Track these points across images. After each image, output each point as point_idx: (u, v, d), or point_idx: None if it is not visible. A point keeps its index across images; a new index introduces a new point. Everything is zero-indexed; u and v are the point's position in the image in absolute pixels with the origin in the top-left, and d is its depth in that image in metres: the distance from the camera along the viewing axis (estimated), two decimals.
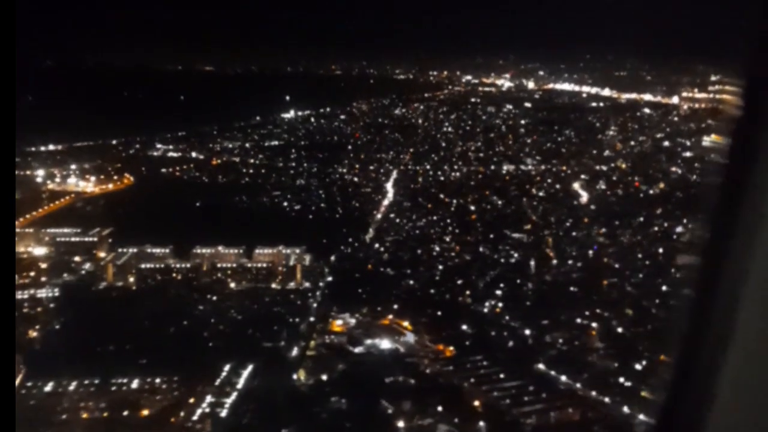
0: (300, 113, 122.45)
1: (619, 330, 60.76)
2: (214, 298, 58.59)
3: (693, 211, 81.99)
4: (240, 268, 63.02)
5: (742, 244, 3.39)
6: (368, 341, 55.00)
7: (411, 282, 65.58)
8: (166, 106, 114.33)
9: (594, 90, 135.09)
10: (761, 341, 3.43)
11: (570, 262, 73.38)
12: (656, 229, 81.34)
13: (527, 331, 58.96)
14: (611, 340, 58.95)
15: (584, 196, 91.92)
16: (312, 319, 56.80)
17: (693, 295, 3.84)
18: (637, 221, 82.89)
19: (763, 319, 3.41)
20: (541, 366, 54.43)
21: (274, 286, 62.77)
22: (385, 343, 54.89)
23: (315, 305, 59.36)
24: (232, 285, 62.30)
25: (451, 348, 55.99)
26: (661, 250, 75.06)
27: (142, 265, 62.16)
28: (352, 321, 57.77)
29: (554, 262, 73.39)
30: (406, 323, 58.56)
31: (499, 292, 64.91)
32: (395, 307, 60.97)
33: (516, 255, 73.85)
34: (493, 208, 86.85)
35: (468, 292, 64.47)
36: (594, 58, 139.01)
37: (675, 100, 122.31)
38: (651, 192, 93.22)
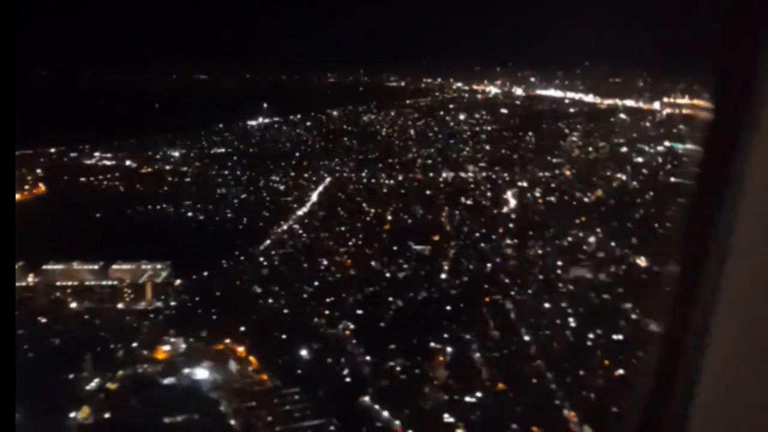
0: (267, 120, 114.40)
1: (476, 355, 52.02)
2: (44, 320, 50.88)
3: (614, 220, 73.21)
4: (82, 286, 55.19)
5: (719, 248, 3.09)
6: (186, 370, 47.30)
7: (271, 300, 57.26)
8: (133, 115, 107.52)
9: (578, 96, 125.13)
10: (739, 342, 3.11)
11: (461, 276, 64.53)
12: (569, 239, 72.11)
13: (368, 358, 50.51)
14: (459, 367, 50.40)
15: (511, 205, 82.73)
16: (135, 344, 48.79)
17: (671, 303, 3.51)
18: (551, 231, 73.41)
19: (740, 320, 3.09)
20: (366, 399, 45.93)
21: (120, 306, 55.10)
22: (202, 373, 47.15)
23: (150, 328, 51.35)
24: (73, 305, 54.70)
25: (276, 377, 47.67)
26: (560, 263, 65.92)
27: None
28: (182, 346, 49.95)
29: (443, 276, 64.62)
30: (241, 348, 50.55)
31: (360, 312, 56.36)
32: (242, 329, 52.93)
33: (407, 269, 65.15)
34: (410, 218, 77.93)
35: (327, 312, 56.04)
36: (593, 65, 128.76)
37: (656, 105, 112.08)
38: (585, 200, 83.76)
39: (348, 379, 48.12)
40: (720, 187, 3.02)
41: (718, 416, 3.14)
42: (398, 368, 49.56)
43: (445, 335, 53.67)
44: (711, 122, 3.19)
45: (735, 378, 3.09)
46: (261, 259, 65.35)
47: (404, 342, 52.18)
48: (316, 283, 61.14)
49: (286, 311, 55.70)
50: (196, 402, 43.46)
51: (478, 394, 47.26)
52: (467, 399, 46.53)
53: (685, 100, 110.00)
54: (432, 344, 52.65)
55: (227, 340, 50.81)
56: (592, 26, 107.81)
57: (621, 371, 50.31)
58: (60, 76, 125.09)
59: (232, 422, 42.23)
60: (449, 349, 52.44)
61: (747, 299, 3.01)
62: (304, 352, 50.40)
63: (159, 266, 58.11)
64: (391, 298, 59.03)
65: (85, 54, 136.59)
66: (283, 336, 52.10)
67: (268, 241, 69.35)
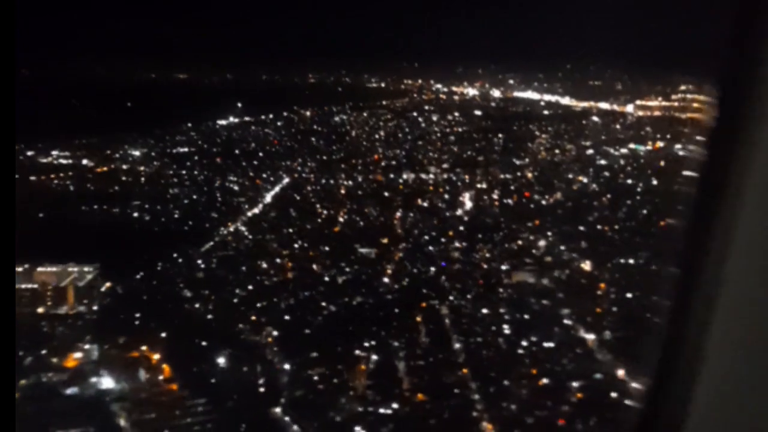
0: (237, 120, 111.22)
1: (401, 364, 48.95)
2: None
3: (567, 223, 70.32)
4: None
5: (719, 249, 3.08)
6: (93, 379, 44.22)
7: (198, 305, 54.15)
8: (103, 113, 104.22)
9: (555, 98, 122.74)
10: (738, 343, 3.11)
11: (402, 280, 61.48)
12: (519, 243, 69.07)
13: (287, 366, 47.40)
14: (380, 376, 47.43)
15: (467, 207, 79.68)
16: (44, 351, 45.63)
17: (671, 300, 3.43)
18: (501, 234, 70.37)
19: (739, 321, 3.08)
20: (277, 410, 42.88)
21: (40, 310, 51.82)
22: (108, 383, 43.83)
23: (64, 334, 48.22)
24: None
25: (186, 388, 44.58)
26: (504, 267, 62.96)
27: None
28: (95, 353, 46.73)
29: (385, 280, 61.53)
30: (157, 356, 47.39)
31: (288, 318, 53.24)
32: (162, 335, 49.76)
33: (348, 273, 62.08)
34: (362, 220, 74.85)
35: (254, 318, 52.94)
36: (574, 68, 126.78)
37: (630, 108, 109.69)
38: (543, 202, 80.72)
39: (262, 389, 44.90)
40: (721, 186, 2.93)
41: (718, 415, 3.05)
42: (316, 377, 46.38)
43: (373, 342, 50.66)
44: (713, 122, 3.09)
45: (735, 378, 3.00)
46: (199, 261, 62.23)
47: (328, 349, 49.19)
48: (250, 287, 58.07)
49: (210, 316, 52.37)
50: (95, 414, 40.35)
51: (395, 405, 44.11)
52: (381, 410, 43.35)
53: (658, 102, 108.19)
54: (357, 352, 49.47)
55: (143, 347, 47.51)
56: (577, 29, 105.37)
57: (546, 380, 47.46)
58: (37, 72, 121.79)
59: None
60: (374, 357, 49.30)
61: (747, 299, 2.92)
62: (221, 360, 47.17)
63: (86, 269, 54.85)
64: (324, 303, 55.75)
65: (65, 51, 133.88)
66: (203, 343, 48.79)
67: (210, 243, 66.02)
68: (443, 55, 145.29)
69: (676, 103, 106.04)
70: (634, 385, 46.82)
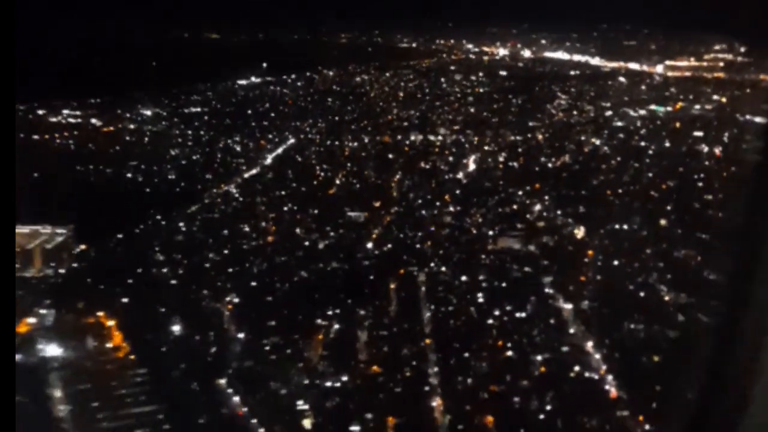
0: (258, 79, 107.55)
1: (362, 333, 45.61)
2: None
3: (570, 187, 66.00)
4: None
5: None
6: (39, 346, 41.70)
7: (166, 270, 51.32)
8: (124, 72, 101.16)
9: (585, 59, 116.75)
10: None
11: (385, 246, 57.88)
12: (514, 207, 64.76)
13: (241, 335, 44.37)
14: (338, 347, 44.14)
15: (469, 170, 75.43)
16: None
17: (727, 302, 3.42)
18: (497, 198, 66.08)
19: None
20: (221, 381, 39.99)
21: None
22: (53, 350, 41.41)
23: (23, 298, 45.82)
24: None
25: (132, 356, 41.90)
26: (492, 233, 58.87)
27: None
28: (50, 319, 44.28)
29: (369, 245, 58.08)
30: (112, 322, 44.74)
31: (254, 284, 50.15)
32: (124, 301, 47.11)
33: (332, 237, 58.69)
34: (359, 183, 71.17)
35: (219, 284, 49.94)
36: (610, 28, 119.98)
37: (659, 68, 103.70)
38: (549, 165, 76.06)
39: (210, 359, 41.94)
40: None
41: None
42: (269, 347, 43.21)
43: (337, 311, 47.08)
44: None
45: None
46: (180, 224, 59.22)
47: (288, 318, 45.96)
48: (226, 251, 54.91)
49: (176, 282, 49.43)
50: (30, 383, 37.69)
51: (344, 378, 40.75)
52: (328, 383, 40.07)
53: (688, 62, 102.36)
54: (318, 321, 46.14)
55: (100, 313, 44.87)
56: None
57: (510, 353, 43.72)
58: (59, 31, 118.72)
59: (61, 407, 36.47)
60: (336, 326, 45.91)
61: None
62: (175, 328, 44.29)
63: (58, 230, 52.30)
64: (297, 269, 52.41)
65: (91, 8, 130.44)
66: (162, 309, 45.89)
67: (197, 205, 63.02)
68: (477, 15, 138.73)
69: (705, 63, 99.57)
70: (598, 357, 43.09)
